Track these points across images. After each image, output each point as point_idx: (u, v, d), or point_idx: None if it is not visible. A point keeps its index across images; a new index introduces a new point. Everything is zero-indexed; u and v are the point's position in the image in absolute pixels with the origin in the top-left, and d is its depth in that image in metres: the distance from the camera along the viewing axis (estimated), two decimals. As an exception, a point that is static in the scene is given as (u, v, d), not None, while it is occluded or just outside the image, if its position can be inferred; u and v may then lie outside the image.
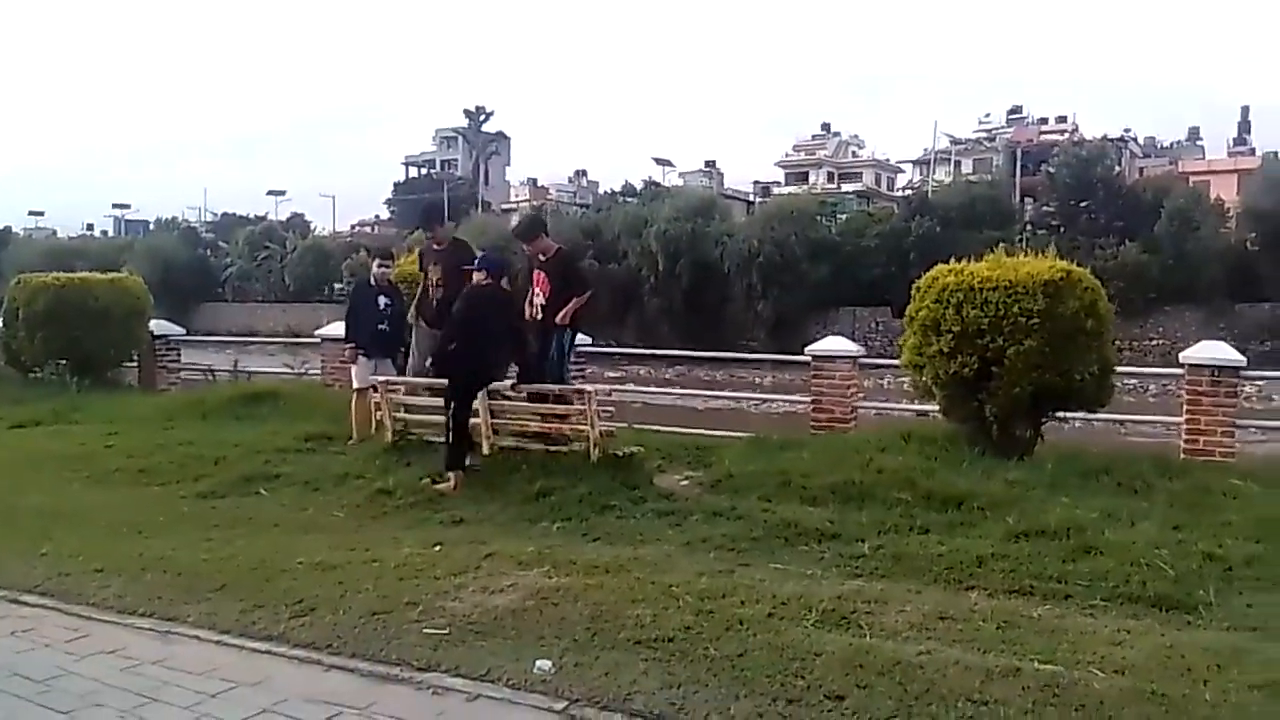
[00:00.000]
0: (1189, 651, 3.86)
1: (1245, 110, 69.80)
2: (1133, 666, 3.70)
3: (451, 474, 7.10)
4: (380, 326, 8.89)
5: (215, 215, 77.77)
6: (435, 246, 8.97)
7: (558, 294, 7.88)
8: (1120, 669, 3.68)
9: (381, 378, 8.43)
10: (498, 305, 7.55)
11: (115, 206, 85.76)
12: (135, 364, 13.66)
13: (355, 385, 8.92)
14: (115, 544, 5.84)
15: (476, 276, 7.62)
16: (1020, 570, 4.94)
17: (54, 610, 4.79)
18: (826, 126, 75.12)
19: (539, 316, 7.91)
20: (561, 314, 7.81)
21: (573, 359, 9.98)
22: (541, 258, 8.12)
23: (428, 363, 8.08)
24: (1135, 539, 5.20)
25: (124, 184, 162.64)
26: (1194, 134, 70.58)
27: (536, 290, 7.97)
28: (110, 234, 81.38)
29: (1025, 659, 3.77)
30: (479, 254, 8.20)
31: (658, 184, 60.22)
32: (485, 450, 7.52)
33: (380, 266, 9.22)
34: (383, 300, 9.00)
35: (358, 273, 39.50)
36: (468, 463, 7.24)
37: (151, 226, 78.18)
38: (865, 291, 39.38)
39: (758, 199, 62.35)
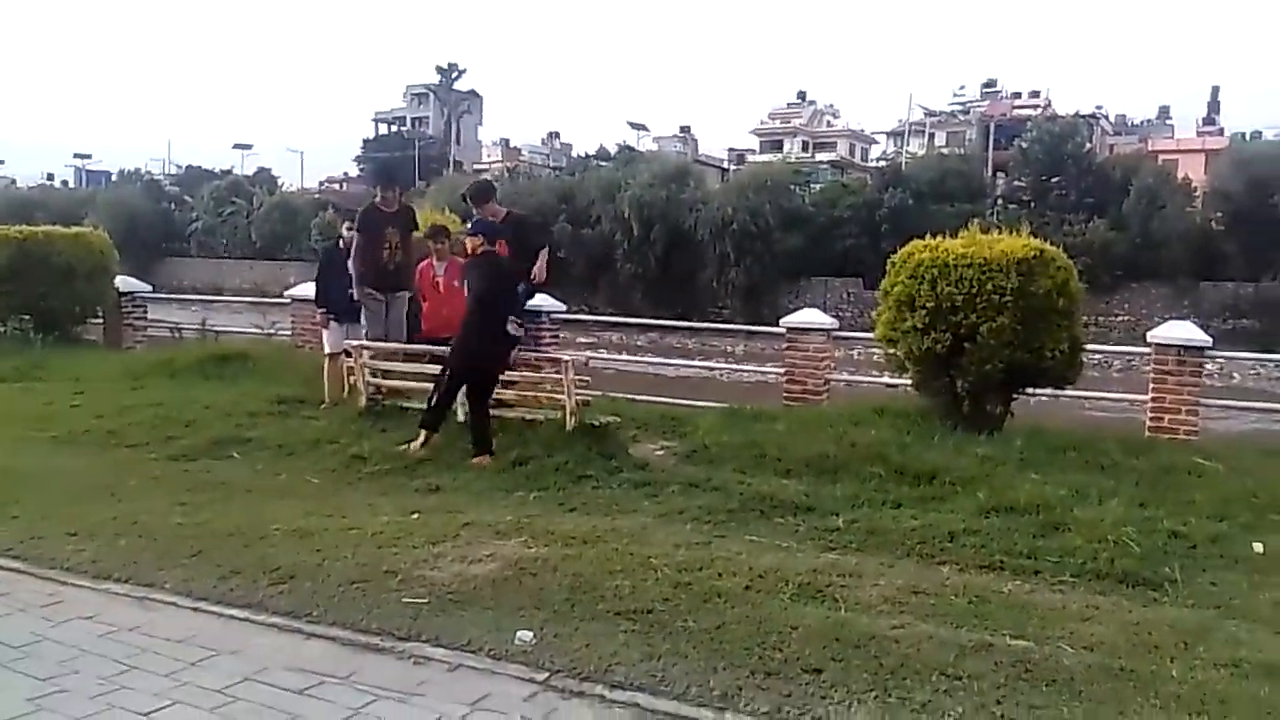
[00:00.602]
0: (1156, 629, 3.97)
1: (1215, 90, 70.72)
2: (1101, 643, 3.80)
3: (423, 431, 7.08)
4: (350, 290, 8.79)
5: (180, 168, 76.35)
6: (384, 209, 8.87)
7: (514, 258, 7.93)
8: (1089, 645, 3.78)
9: (354, 342, 8.38)
10: (502, 273, 7.46)
11: (77, 156, 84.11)
12: (100, 321, 13.45)
13: (327, 350, 8.86)
14: (87, 507, 5.77)
15: (471, 243, 7.39)
16: (991, 546, 5.03)
17: (27, 574, 4.73)
18: (802, 95, 75.00)
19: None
20: (536, 270, 7.94)
21: (547, 325, 10.12)
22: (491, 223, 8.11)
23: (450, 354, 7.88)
24: (1103, 516, 5.31)
25: (86, 132, 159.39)
26: (1164, 112, 71.26)
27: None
28: (71, 185, 79.64)
29: (997, 634, 3.86)
30: (484, 216, 8.00)
31: (632, 148, 59.91)
32: (460, 418, 7.50)
33: (349, 229, 9.05)
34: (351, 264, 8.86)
35: (326, 232, 39.11)
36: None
37: (114, 178, 76.57)
38: (837, 262, 39.58)
39: (732, 166, 62.24)
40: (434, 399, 7.21)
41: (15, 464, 6.90)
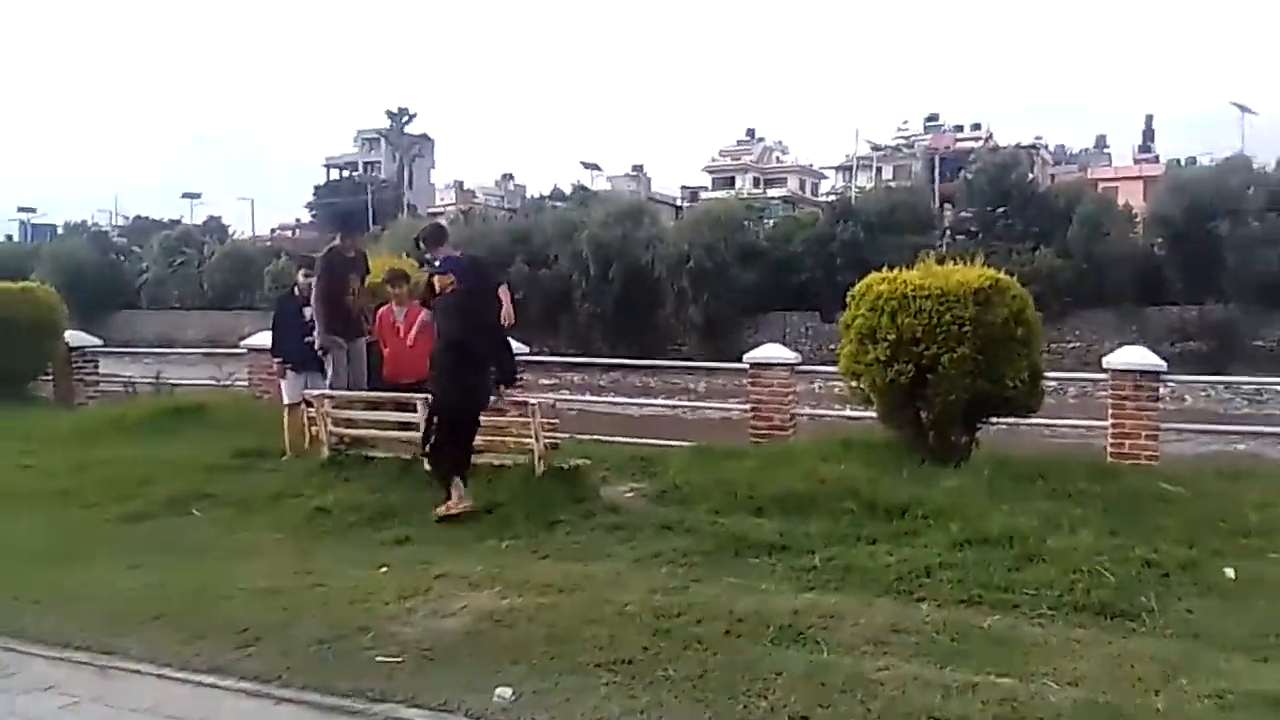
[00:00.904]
0: (1138, 661, 3.97)
1: (1149, 119, 72.61)
2: (1085, 678, 3.80)
3: (453, 484, 6.67)
4: (307, 339, 8.56)
5: (127, 219, 75.23)
6: (345, 254, 8.77)
7: (476, 298, 7.82)
8: (1074, 680, 3.77)
9: (314, 392, 8.23)
10: (474, 310, 7.14)
11: (20, 210, 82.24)
12: (50, 378, 13.10)
13: (286, 400, 8.69)
14: (42, 572, 5.57)
15: (442, 281, 7.08)
16: (968, 579, 5.02)
17: (-18, 645, 4.55)
18: (751, 132, 76.07)
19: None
20: (506, 311, 7.84)
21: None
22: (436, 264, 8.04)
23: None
24: (1075, 546, 5.32)
25: (29, 185, 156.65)
26: (1101, 141, 73.26)
27: (449, 287, 7.86)
28: (15, 239, 78.06)
29: (981, 672, 3.84)
30: (437, 259, 7.63)
31: (586, 188, 60.27)
32: (427, 466, 7.38)
33: (305, 276, 8.87)
34: (308, 311, 8.61)
35: (280, 280, 38.67)
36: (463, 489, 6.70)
37: (60, 230, 75.22)
38: (794, 296, 39.97)
39: (686, 204, 62.77)
40: (433, 448, 6.81)
41: (-37, 530, 6.66)
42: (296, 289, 8.93)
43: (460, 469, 6.80)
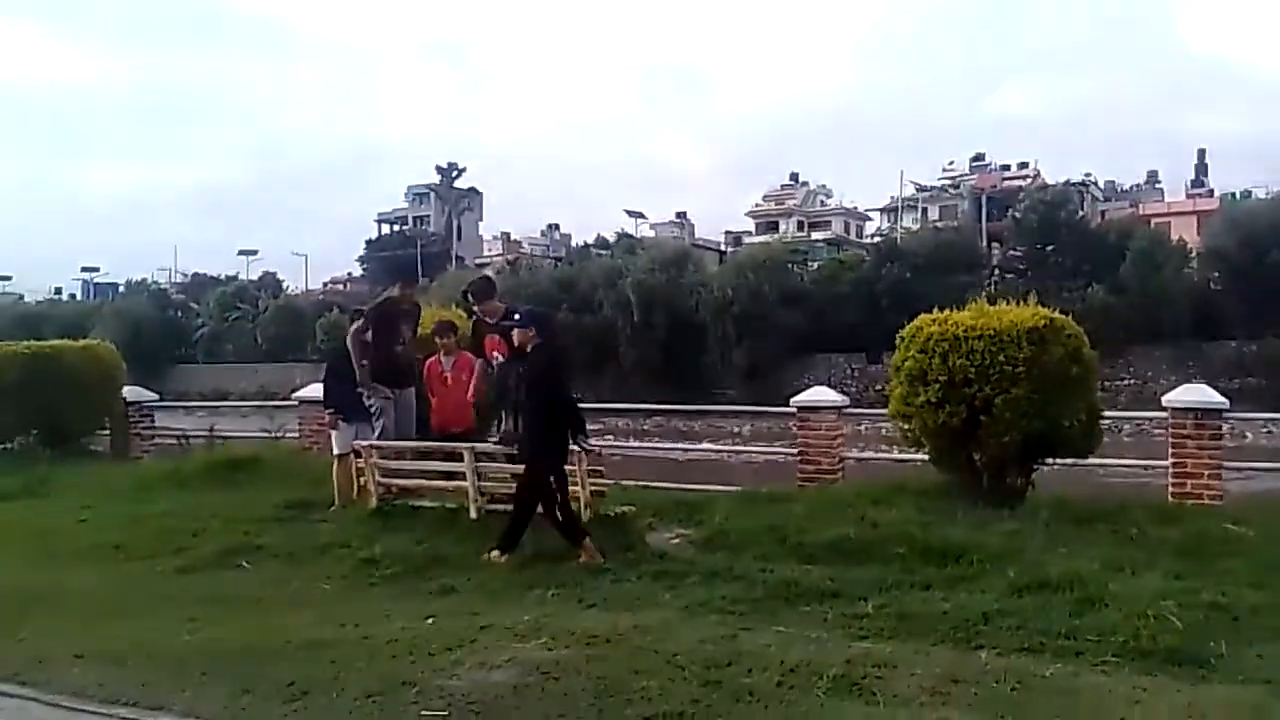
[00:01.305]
0: (1210, 709, 3.80)
1: (1202, 153, 71.50)
2: (1155, 728, 3.63)
3: (581, 542, 6.60)
4: (359, 389, 8.69)
5: (185, 276, 77.30)
6: (404, 306, 8.90)
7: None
8: (1143, 731, 3.61)
9: (363, 442, 8.29)
10: (559, 366, 7.10)
11: (84, 269, 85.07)
12: (108, 432, 13.39)
13: (336, 451, 8.75)
14: (94, 627, 5.62)
15: (521, 336, 6.93)
16: (1028, 626, 4.87)
17: (33, 700, 4.57)
18: (795, 176, 76.21)
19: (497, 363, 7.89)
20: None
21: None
22: (489, 320, 8.09)
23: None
24: (1139, 590, 5.15)
25: (92, 246, 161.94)
26: (1153, 177, 72.17)
27: (495, 354, 7.93)
28: (79, 297, 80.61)
29: (1045, 724, 3.69)
30: (511, 309, 7.65)
31: (630, 235, 60.68)
32: (473, 515, 7.39)
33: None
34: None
35: (331, 333, 39.33)
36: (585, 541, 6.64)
37: (121, 289, 77.55)
38: (839, 338, 39.75)
39: (729, 249, 62.97)
40: (562, 508, 6.67)
41: (22, 583, 6.76)
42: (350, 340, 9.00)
43: (522, 526, 6.73)
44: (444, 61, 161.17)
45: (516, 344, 7.07)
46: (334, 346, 9.38)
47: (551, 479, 6.68)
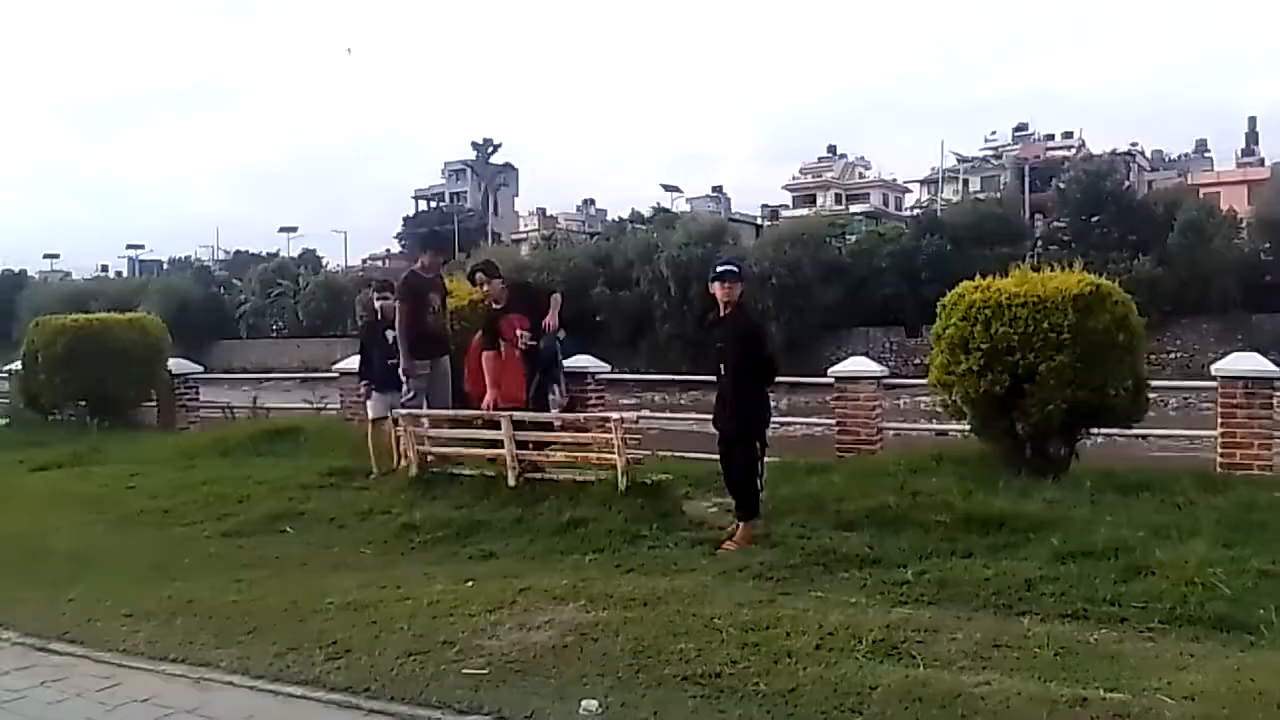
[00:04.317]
0: (1259, 675, 3.71)
1: (1253, 121, 69.79)
2: (1203, 692, 3.56)
3: (749, 522, 6.27)
4: (390, 361, 8.66)
5: (228, 253, 78.27)
6: (425, 274, 8.93)
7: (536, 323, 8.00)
8: (1190, 695, 3.53)
9: (401, 411, 8.36)
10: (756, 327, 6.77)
11: (129, 247, 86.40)
12: (154, 403, 13.64)
13: (370, 416, 8.86)
14: (143, 587, 5.75)
15: (722, 290, 6.50)
16: (1071, 593, 4.80)
17: (84, 658, 4.69)
18: (833, 149, 75.54)
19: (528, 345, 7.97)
20: (549, 317, 7.92)
21: (592, 385, 10.17)
22: (497, 304, 8.13)
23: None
24: (1187, 558, 5.05)
25: (138, 225, 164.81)
26: (1201, 146, 70.55)
27: (518, 331, 7.95)
28: (125, 275, 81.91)
29: (1090, 687, 3.63)
30: (721, 264, 6.97)
31: (666, 210, 60.35)
32: (512, 482, 7.42)
33: (380, 299, 9.03)
34: (390, 334, 8.74)
35: (368, 306, 39.51)
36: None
37: (165, 266, 78.77)
38: (878, 311, 39.29)
39: (766, 223, 62.47)
40: (752, 485, 6.36)
41: (73, 547, 6.94)
42: (380, 314, 9.04)
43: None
44: (481, 36, 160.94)
45: (723, 300, 6.53)
46: (367, 320, 9.49)
47: (757, 444, 6.41)
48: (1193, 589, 4.69)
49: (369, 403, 8.96)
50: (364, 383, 9.10)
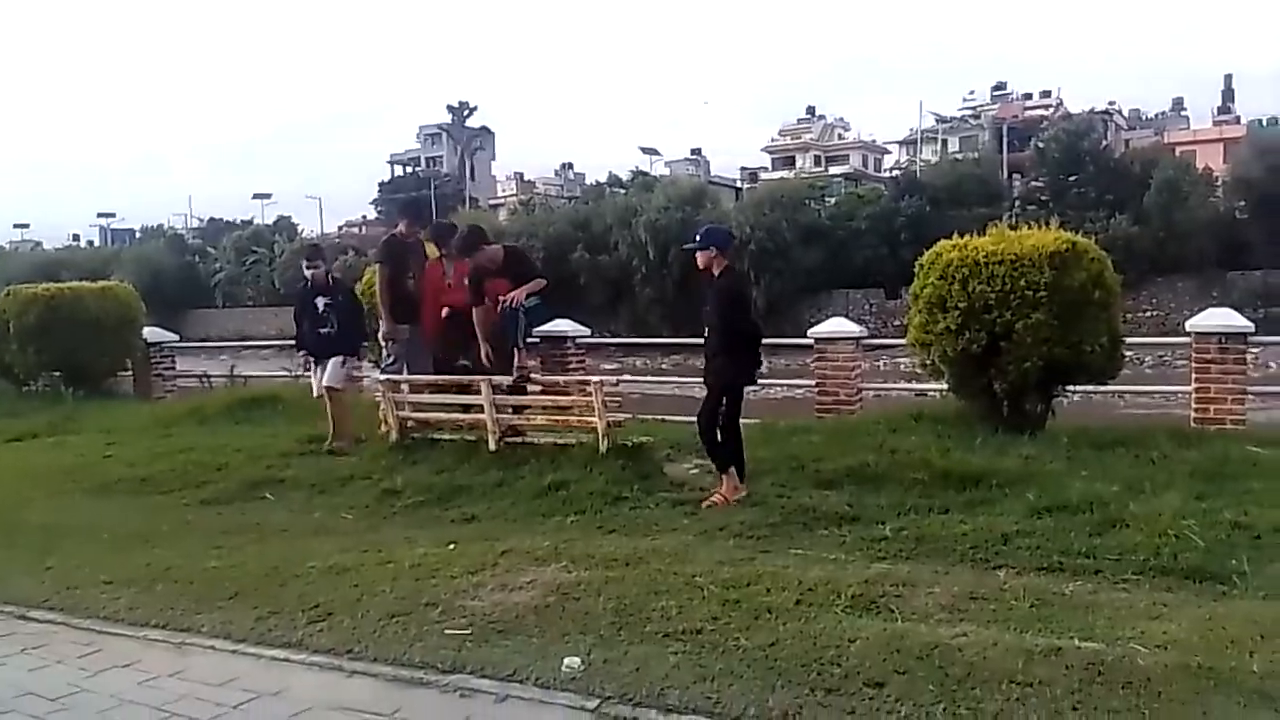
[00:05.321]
0: (1230, 623, 3.78)
1: (1228, 79, 69.89)
2: (1175, 641, 3.62)
3: (729, 478, 6.33)
4: (321, 330, 8.52)
5: (201, 221, 77.19)
6: (410, 241, 8.86)
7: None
8: (1162, 644, 3.60)
9: (381, 377, 8.31)
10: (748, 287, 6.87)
11: (100, 216, 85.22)
12: (130, 373, 13.51)
13: (315, 394, 8.72)
14: (122, 555, 5.72)
15: (704, 259, 6.46)
16: (1047, 547, 4.86)
17: (64, 625, 4.69)
18: (811, 110, 75.01)
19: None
20: (511, 296, 7.64)
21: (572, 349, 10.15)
22: (490, 266, 7.90)
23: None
24: (1160, 510, 5.13)
25: (108, 193, 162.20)
26: (1178, 104, 70.56)
27: (502, 297, 7.74)
28: (96, 244, 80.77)
29: (1064, 637, 3.68)
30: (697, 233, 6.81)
31: (645, 174, 60.00)
32: (492, 446, 7.42)
33: (309, 267, 8.78)
34: (320, 301, 8.58)
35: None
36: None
37: (138, 235, 77.64)
38: (857, 274, 39.39)
39: (745, 185, 62.21)
40: (727, 445, 6.39)
41: (50, 517, 6.89)
42: (309, 282, 8.76)
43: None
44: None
45: (702, 266, 6.53)
46: (299, 289, 9.06)
47: (724, 399, 6.37)
48: (1166, 541, 4.77)
49: (311, 377, 8.78)
50: (301, 352, 8.86)
